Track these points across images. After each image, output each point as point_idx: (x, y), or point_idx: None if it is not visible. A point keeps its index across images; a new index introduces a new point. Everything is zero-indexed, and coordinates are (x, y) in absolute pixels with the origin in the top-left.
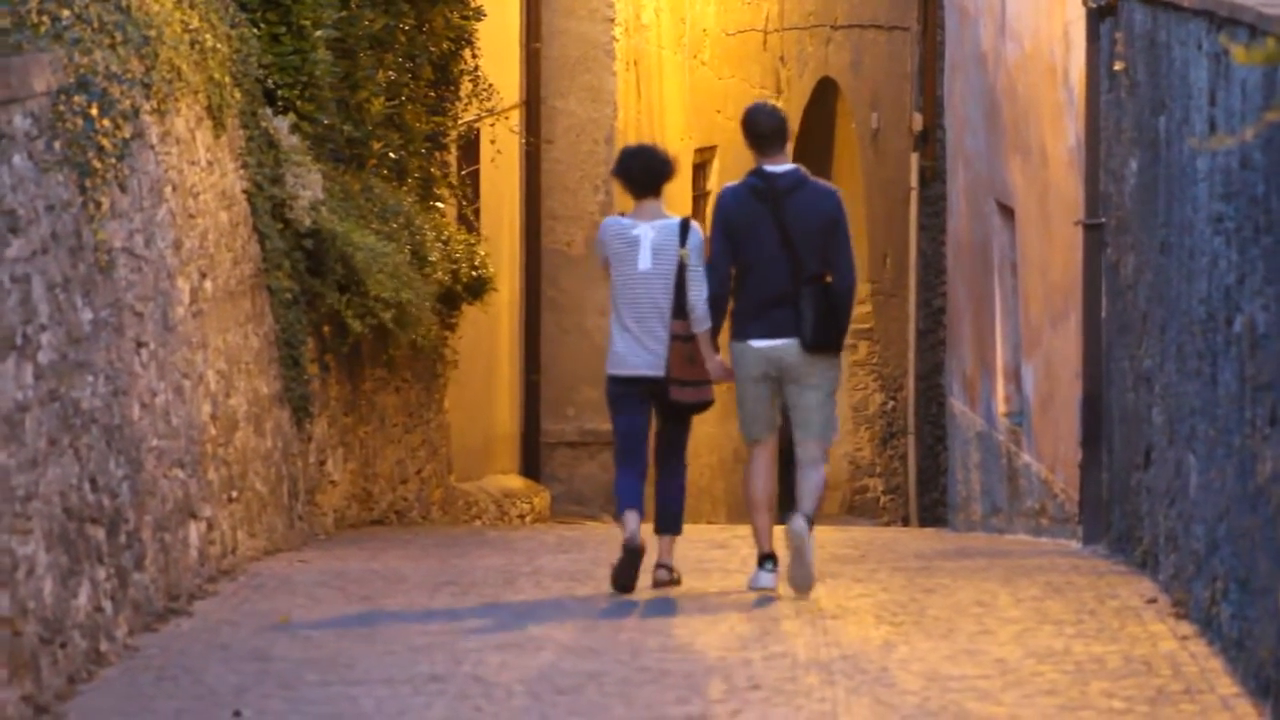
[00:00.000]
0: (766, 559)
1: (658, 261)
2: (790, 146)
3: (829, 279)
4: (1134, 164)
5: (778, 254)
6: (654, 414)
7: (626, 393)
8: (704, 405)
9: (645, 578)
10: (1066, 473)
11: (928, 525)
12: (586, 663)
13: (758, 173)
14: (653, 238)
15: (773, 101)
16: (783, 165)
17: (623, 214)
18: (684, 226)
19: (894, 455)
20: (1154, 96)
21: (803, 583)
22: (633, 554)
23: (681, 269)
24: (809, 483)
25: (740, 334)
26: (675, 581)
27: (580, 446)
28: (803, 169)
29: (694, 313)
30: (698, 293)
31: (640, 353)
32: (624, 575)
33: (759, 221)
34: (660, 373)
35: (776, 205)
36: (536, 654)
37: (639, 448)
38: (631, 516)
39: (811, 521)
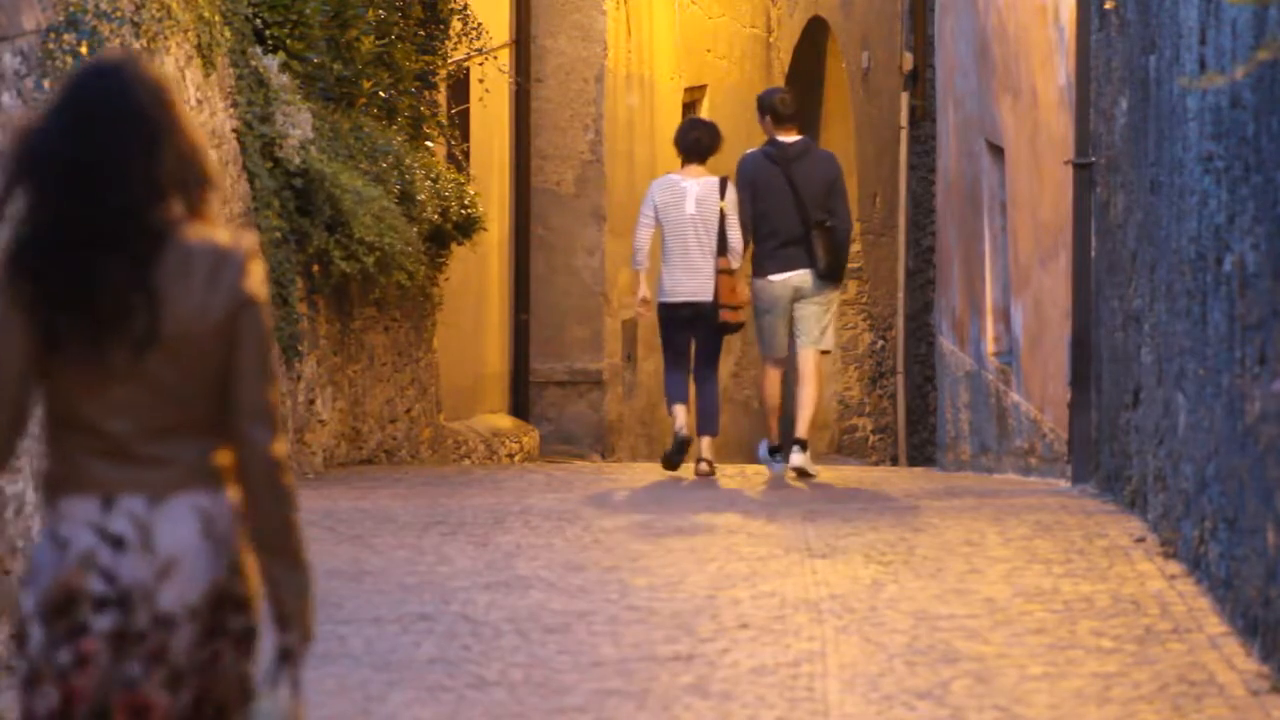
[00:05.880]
0: (776, 450)
1: (701, 209)
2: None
3: (829, 224)
4: (1124, 103)
5: (789, 206)
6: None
7: (674, 316)
8: (741, 325)
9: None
10: (1055, 412)
11: (917, 464)
12: (575, 602)
13: (772, 142)
14: (696, 190)
15: (782, 86)
16: (792, 137)
17: (669, 173)
18: (723, 184)
19: (883, 395)
20: (1144, 35)
21: (808, 474)
22: (682, 443)
23: (722, 217)
24: (804, 395)
25: (760, 271)
26: (713, 472)
27: (569, 386)
28: (807, 138)
29: (734, 252)
30: (736, 237)
31: (685, 282)
32: (673, 458)
33: (774, 181)
34: (699, 298)
35: (787, 168)
36: (525, 593)
37: (683, 357)
38: (680, 410)
39: (805, 445)
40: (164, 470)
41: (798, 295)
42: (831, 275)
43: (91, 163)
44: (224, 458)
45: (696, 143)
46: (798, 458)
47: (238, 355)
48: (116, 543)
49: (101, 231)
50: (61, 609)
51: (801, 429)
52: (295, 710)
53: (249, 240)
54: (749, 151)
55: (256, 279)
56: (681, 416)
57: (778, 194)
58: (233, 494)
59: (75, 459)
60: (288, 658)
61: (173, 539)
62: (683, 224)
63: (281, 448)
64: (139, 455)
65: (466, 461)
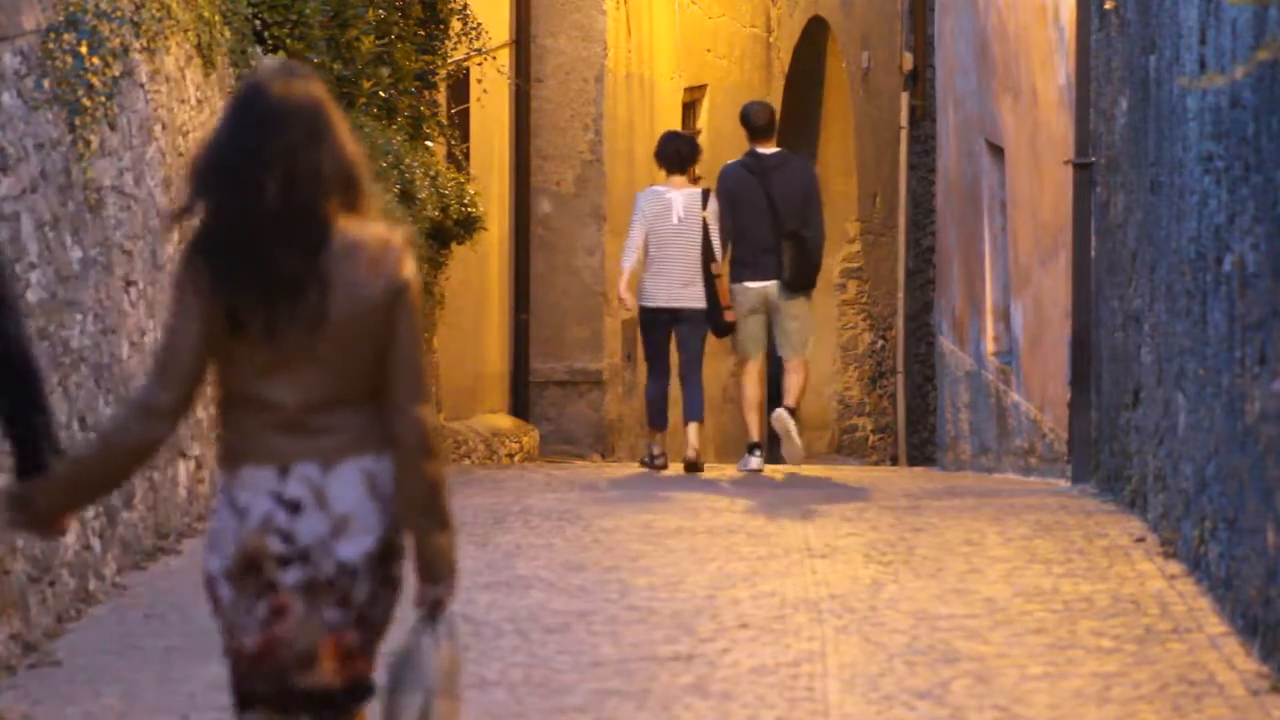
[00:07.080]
0: (755, 446)
1: (685, 219)
2: (775, 134)
3: (802, 234)
4: (1124, 103)
5: (764, 217)
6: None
7: (653, 319)
8: (735, 325)
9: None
10: (1055, 412)
11: (917, 464)
12: (575, 602)
13: (751, 154)
14: (682, 202)
15: (764, 99)
16: (770, 148)
17: (655, 185)
18: (704, 195)
19: (883, 394)
20: (1144, 35)
21: (793, 457)
22: (658, 464)
23: (705, 226)
24: (791, 382)
25: (738, 277)
26: (699, 461)
27: (569, 386)
28: (785, 150)
29: (717, 259)
30: (717, 244)
31: (665, 288)
32: (652, 467)
33: (751, 191)
34: (677, 304)
35: (765, 178)
36: (525, 593)
37: (664, 358)
38: (660, 438)
39: (794, 412)
40: (333, 438)
41: (770, 303)
42: (800, 285)
43: (264, 164)
44: (382, 425)
45: (677, 154)
46: (780, 412)
47: (395, 334)
48: (293, 507)
49: (276, 225)
50: (248, 569)
51: (790, 398)
52: (454, 657)
53: (404, 232)
54: (729, 163)
55: (411, 266)
56: (660, 445)
57: (754, 204)
58: (391, 458)
59: (253, 432)
60: (438, 606)
61: (344, 499)
62: (668, 234)
63: (432, 416)
64: (310, 426)
65: (466, 461)
